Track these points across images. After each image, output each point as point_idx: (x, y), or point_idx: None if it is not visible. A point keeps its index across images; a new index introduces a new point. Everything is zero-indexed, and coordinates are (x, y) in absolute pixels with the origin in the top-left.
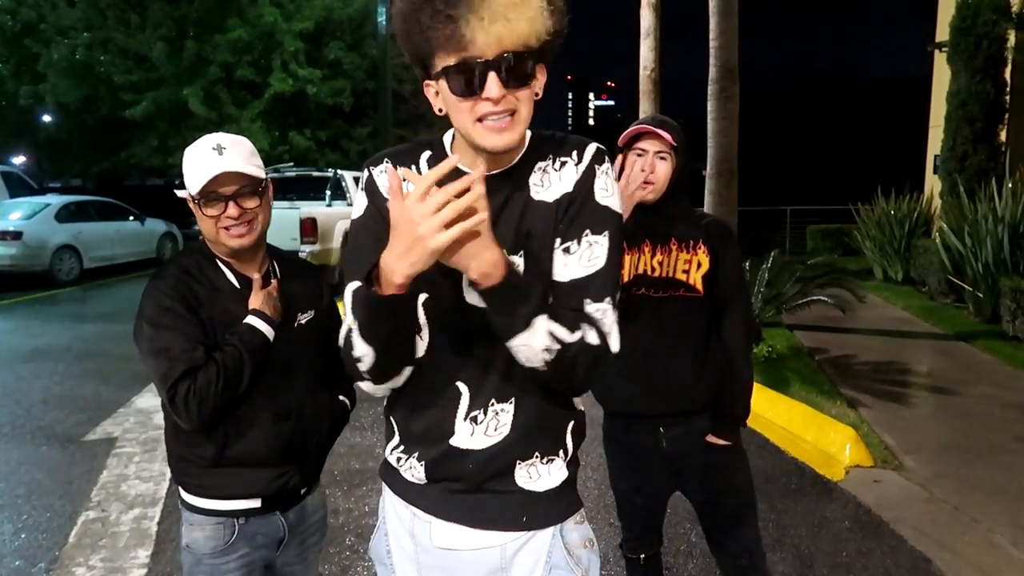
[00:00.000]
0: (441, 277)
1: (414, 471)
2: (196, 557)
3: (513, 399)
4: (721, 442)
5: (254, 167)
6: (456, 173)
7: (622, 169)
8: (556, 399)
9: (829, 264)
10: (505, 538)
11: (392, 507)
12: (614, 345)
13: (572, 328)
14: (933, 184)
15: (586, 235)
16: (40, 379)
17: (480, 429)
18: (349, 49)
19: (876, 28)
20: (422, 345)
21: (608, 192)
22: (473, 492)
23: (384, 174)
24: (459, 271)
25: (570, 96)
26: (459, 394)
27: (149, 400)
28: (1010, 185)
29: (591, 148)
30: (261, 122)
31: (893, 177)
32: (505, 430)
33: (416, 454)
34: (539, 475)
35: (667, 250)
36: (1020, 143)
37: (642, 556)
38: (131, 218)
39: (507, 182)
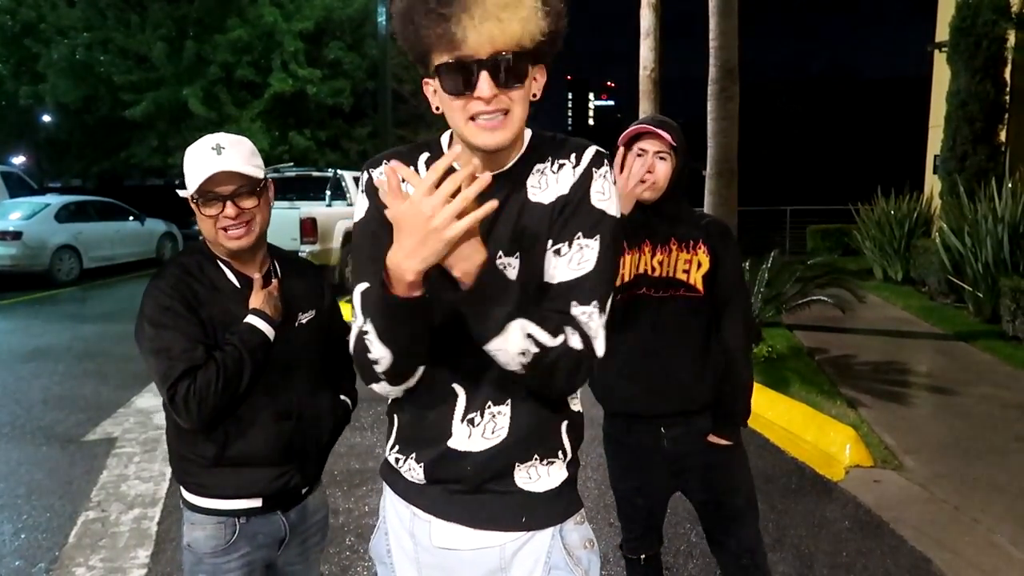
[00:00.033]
0: (438, 277)
1: (413, 472)
2: (197, 556)
3: (509, 401)
4: (722, 442)
5: (252, 167)
6: (451, 172)
7: (623, 164)
8: (551, 400)
9: (829, 264)
10: (504, 538)
11: (392, 506)
12: (599, 349)
13: (554, 332)
14: (933, 184)
15: (578, 238)
16: (40, 379)
17: (477, 431)
18: (349, 49)
19: (876, 28)
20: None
21: (605, 195)
22: (472, 493)
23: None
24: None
25: (570, 96)
26: (455, 396)
27: (149, 400)
28: (1010, 185)
29: (590, 151)
30: (261, 122)
31: (893, 177)
32: (503, 432)
33: (414, 455)
34: (538, 476)
35: (667, 250)
36: (1020, 143)
37: (642, 556)
38: (131, 218)
39: (505, 183)
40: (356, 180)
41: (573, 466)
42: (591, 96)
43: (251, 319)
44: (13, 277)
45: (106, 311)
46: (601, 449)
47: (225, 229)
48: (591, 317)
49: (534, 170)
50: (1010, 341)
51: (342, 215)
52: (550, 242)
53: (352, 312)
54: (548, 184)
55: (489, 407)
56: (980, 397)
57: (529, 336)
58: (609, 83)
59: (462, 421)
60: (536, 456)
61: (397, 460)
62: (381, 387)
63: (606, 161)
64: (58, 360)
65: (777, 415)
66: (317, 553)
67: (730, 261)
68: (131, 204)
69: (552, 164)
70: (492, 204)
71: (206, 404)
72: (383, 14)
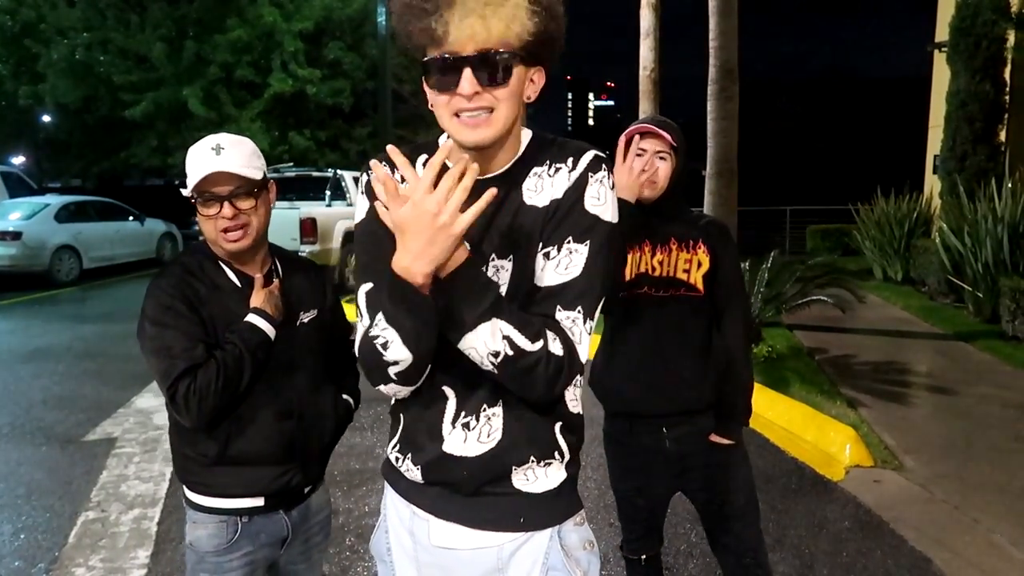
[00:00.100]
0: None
1: (411, 472)
2: (199, 555)
3: (502, 402)
4: (724, 441)
5: (251, 168)
6: (445, 170)
7: (625, 155)
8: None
9: (829, 264)
10: (502, 539)
11: (393, 504)
12: (582, 355)
13: (534, 337)
14: (933, 184)
15: (568, 242)
16: (40, 379)
17: (473, 435)
18: (349, 49)
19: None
20: None
21: (600, 201)
22: (471, 495)
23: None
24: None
25: (570, 96)
26: (445, 398)
27: (149, 400)
28: (1010, 185)
29: (587, 155)
30: (261, 122)
31: (893, 177)
32: (498, 435)
33: (411, 456)
34: (536, 477)
35: (667, 250)
36: (1020, 143)
37: (643, 557)
38: (131, 218)
39: (501, 185)
40: (356, 180)
41: (572, 467)
42: (591, 96)
43: (251, 318)
44: (13, 277)
45: (106, 311)
46: (601, 449)
47: (224, 232)
48: (575, 323)
49: (531, 173)
50: (1010, 341)
51: (342, 215)
52: (540, 245)
53: (357, 312)
54: (544, 187)
55: (484, 409)
56: (980, 397)
57: (506, 338)
58: (609, 83)
59: (454, 424)
60: (532, 458)
61: (397, 459)
62: (390, 388)
63: (604, 166)
64: (58, 360)
65: (777, 415)
66: (320, 552)
67: (729, 261)
68: (131, 204)
69: (549, 167)
70: (492, 192)
71: (206, 403)
72: (383, 14)
